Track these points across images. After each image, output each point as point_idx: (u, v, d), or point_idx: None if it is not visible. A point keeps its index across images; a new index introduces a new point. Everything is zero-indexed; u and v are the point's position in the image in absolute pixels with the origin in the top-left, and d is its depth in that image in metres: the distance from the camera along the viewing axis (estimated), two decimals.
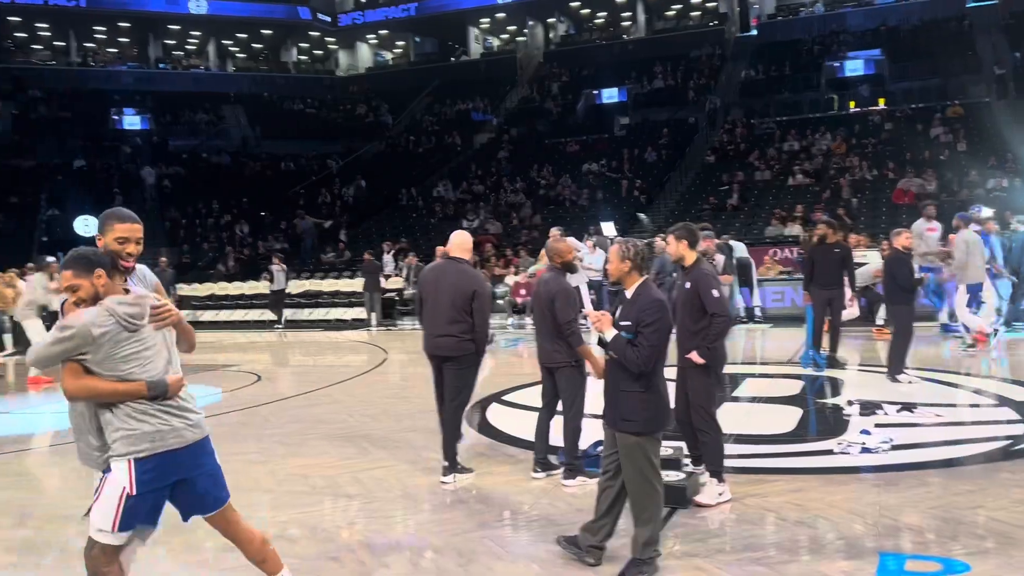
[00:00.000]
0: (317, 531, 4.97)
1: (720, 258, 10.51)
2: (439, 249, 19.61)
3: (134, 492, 3.19)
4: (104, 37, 40.27)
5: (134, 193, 29.56)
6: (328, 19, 42.01)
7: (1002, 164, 20.82)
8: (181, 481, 3.34)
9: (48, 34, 39.14)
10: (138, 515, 3.24)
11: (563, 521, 4.93)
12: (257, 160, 34.32)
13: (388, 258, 20.75)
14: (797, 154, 24.84)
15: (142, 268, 3.79)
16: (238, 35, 42.18)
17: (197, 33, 41.15)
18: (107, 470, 3.28)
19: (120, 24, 38.99)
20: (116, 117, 34.21)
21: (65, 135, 31.99)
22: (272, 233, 27.57)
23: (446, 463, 5.90)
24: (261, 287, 20.72)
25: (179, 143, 34.35)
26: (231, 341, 17.44)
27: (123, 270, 3.48)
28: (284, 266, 19.82)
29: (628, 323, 4.08)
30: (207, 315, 21.03)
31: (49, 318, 14.76)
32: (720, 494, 5.13)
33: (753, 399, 8.42)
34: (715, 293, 5.11)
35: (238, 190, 30.62)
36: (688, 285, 5.25)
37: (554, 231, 11.81)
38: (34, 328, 11.62)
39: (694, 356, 5.12)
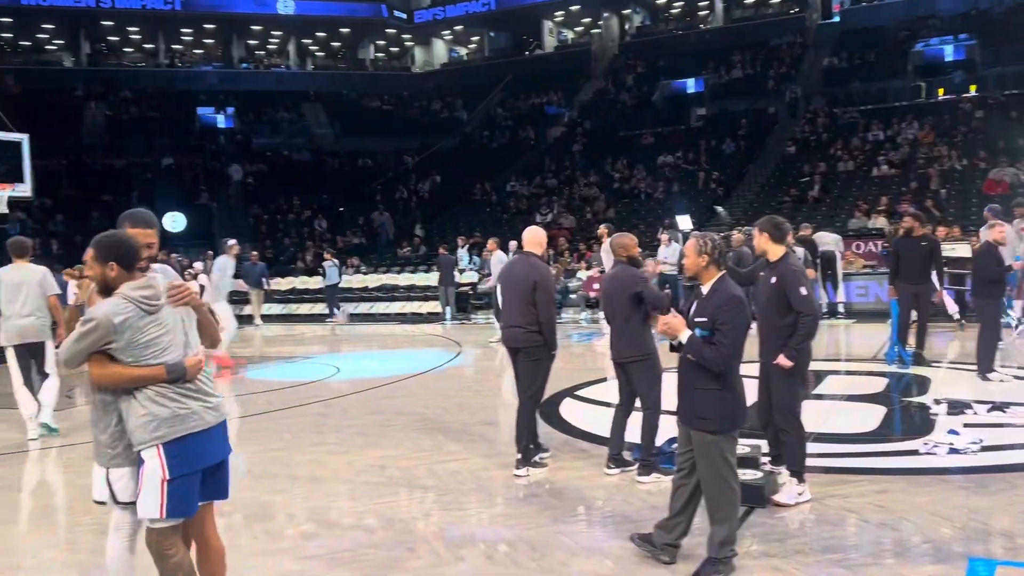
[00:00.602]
0: (394, 522, 5.06)
1: (800, 251, 10.27)
2: (513, 244, 19.77)
3: (168, 476, 3.25)
4: (191, 39, 41.66)
5: (219, 190, 30.58)
6: (404, 16, 42.52)
7: None
8: (215, 466, 3.44)
9: (139, 37, 40.69)
10: (183, 497, 3.30)
11: (637, 518, 4.91)
12: (336, 157, 35.02)
13: (462, 252, 20.91)
14: (882, 144, 24.03)
15: (163, 267, 3.83)
16: (318, 34, 43.07)
17: (278, 33, 42.19)
18: (138, 463, 3.34)
19: (206, 26, 40.28)
20: (202, 116, 35.36)
21: (154, 134, 33.24)
22: (350, 228, 28.12)
23: (519, 456, 5.94)
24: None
25: (262, 141, 35.29)
26: (312, 334, 17.88)
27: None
28: (336, 261, 20.14)
29: (704, 319, 4.02)
30: (288, 308, 21.55)
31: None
32: (800, 494, 5.01)
33: (836, 397, 8.21)
34: (803, 290, 4.96)
35: (317, 186, 31.31)
36: (773, 280, 5.12)
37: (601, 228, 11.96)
38: (224, 312, 12.13)
39: (782, 360, 4.97)
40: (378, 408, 8.85)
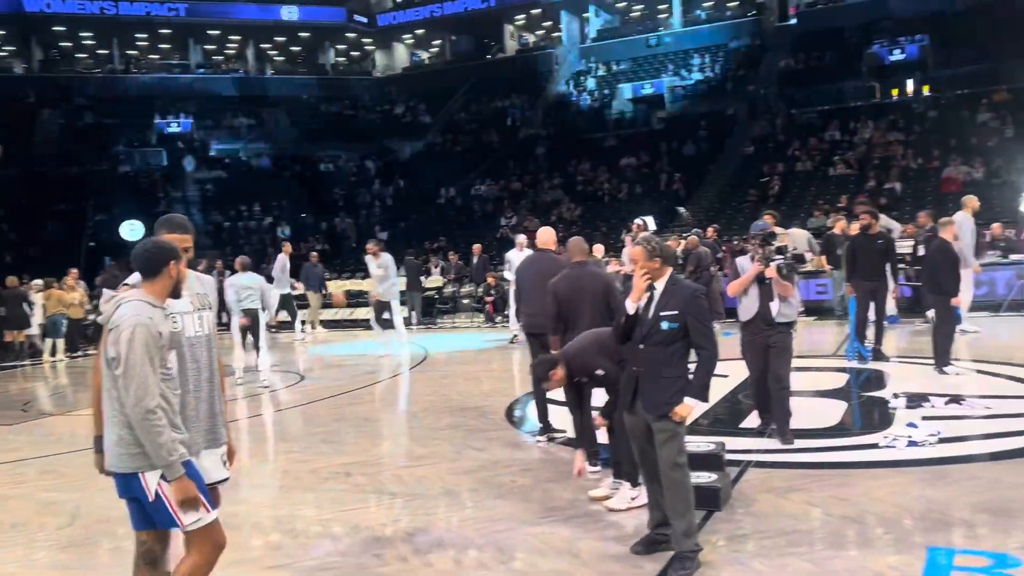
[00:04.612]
0: (360, 529, 5.02)
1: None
2: (476, 247, 19.68)
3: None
4: (146, 44, 41.06)
5: (178, 197, 30.18)
6: (365, 20, 42.33)
7: None
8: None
9: (92, 42, 40.02)
10: (203, 489, 3.32)
11: (604, 517, 4.95)
12: (297, 162, 34.75)
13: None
14: (839, 143, 24.44)
15: (202, 276, 3.85)
16: (277, 38, 42.71)
17: (236, 37, 41.76)
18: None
19: (162, 31, 39.74)
20: (159, 122, 34.86)
21: (110, 142, 32.72)
22: (313, 234, 27.92)
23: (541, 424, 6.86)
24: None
25: (221, 147, 34.91)
26: (275, 342, 17.67)
27: None
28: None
29: (673, 312, 4.17)
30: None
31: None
32: (633, 499, 5.04)
33: (799, 393, 8.30)
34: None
35: (279, 192, 31.05)
36: None
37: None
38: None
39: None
40: (343, 415, 8.78)
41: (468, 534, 4.85)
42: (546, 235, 7.09)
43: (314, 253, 19.35)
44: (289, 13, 40.03)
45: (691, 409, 4.15)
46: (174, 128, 34.86)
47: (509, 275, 13.61)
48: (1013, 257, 13.79)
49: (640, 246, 4.26)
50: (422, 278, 19.09)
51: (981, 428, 6.45)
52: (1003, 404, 7.21)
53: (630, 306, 4.22)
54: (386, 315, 12.68)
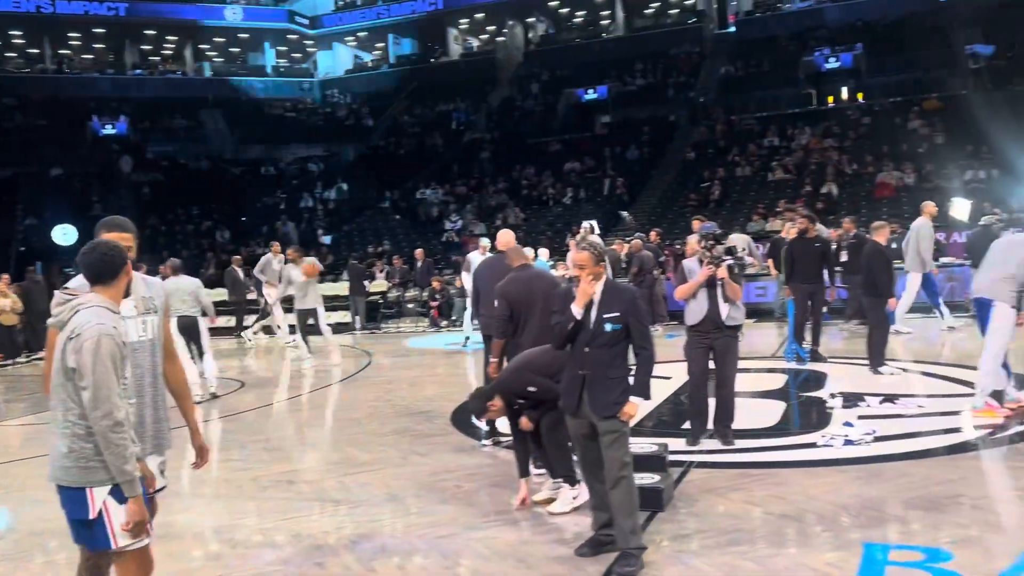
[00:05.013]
0: (303, 538, 4.94)
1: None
2: (419, 252, 19.54)
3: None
4: (79, 43, 39.93)
5: (112, 200, 29.33)
6: (306, 22, 41.87)
7: (979, 156, 21.01)
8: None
9: (22, 41, 38.76)
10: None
11: (548, 520, 4.95)
12: (236, 165, 34.14)
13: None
14: (777, 149, 24.98)
15: (148, 279, 3.74)
16: (216, 39, 41.95)
17: (173, 38, 40.89)
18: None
19: (95, 30, 38.69)
20: (93, 124, 33.91)
21: (41, 143, 31.67)
22: (253, 238, 27.43)
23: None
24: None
25: (158, 149, 34.12)
26: (215, 348, 17.27)
27: None
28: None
29: (616, 315, 4.23)
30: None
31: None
32: (574, 498, 5.09)
33: (739, 394, 8.43)
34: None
35: (218, 196, 30.46)
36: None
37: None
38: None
39: None
40: (285, 422, 8.65)
41: (413, 540, 4.82)
42: (506, 237, 7.05)
43: (236, 257, 18.92)
44: (233, 14, 39.42)
45: (637, 408, 4.25)
46: (109, 130, 33.90)
47: (467, 277, 13.58)
48: (943, 260, 14.25)
49: (587, 251, 4.29)
50: (366, 282, 18.92)
51: (914, 426, 6.63)
52: (935, 403, 7.44)
53: (576, 311, 4.24)
54: (311, 321, 12.49)
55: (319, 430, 8.12)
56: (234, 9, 39.44)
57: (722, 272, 6.09)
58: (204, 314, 9.97)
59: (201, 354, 9.96)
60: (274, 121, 37.84)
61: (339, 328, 17.99)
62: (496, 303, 6.04)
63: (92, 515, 3.07)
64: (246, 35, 41.68)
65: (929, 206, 11.92)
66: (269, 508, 5.59)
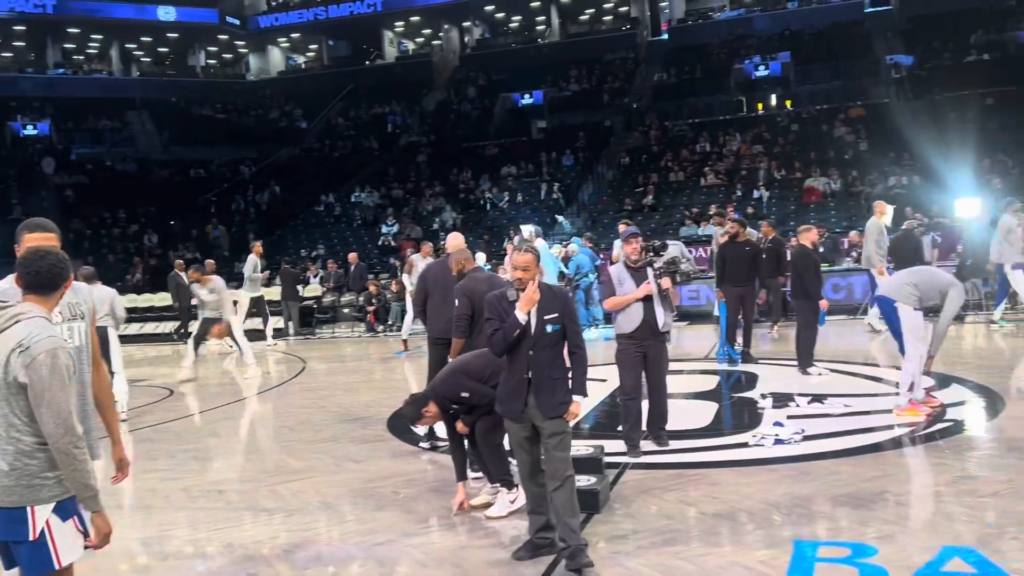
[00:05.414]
0: (235, 548, 4.83)
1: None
2: (352, 256, 19.33)
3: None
4: None
5: (34, 202, 28.26)
6: (237, 22, 41.04)
7: (901, 162, 21.75)
8: None
9: None
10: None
11: (485, 525, 4.94)
12: (165, 167, 33.25)
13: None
14: (709, 155, 25.45)
15: (76, 284, 3.54)
16: (143, 39, 40.81)
17: (99, 36, 39.65)
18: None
19: (15, 27, 37.27)
20: (14, 125, 32.63)
21: None
22: (183, 242, 26.75)
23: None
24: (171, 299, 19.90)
25: (82, 151, 33.00)
26: (141, 355, 16.82)
27: None
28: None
29: (555, 315, 4.28)
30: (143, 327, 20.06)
31: None
32: (512, 501, 5.11)
33: (672, 396, 8.54)
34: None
35: (145, 198, 29.60)
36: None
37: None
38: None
39: None
40: (215, 430, 8.45)
41: (349, 548, 4.75)
42: (456, 241, 6.95)
43: (179, 261, 18.41)
44: (166, 13, 38.31)
45: (579, 406, 4.35)
46: (31, 131, 32.65)
47: (408, 279, 13.47)
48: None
49: (530, 254, 4.30)
50: (299, 287, 18.63)
51: (841, 425, 6.81)
52: (861, 402, 7.66)
53: (522, 316, 4.21)
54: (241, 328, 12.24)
55: (251, 438, 7.96)
56: (167, 9, 38.39)
57: (666, 283, 6.16)
58: (116, 326, 9.27)
59: (111, 371, 9.29)
60: (204, 122, 36.96)
61: (260, 336, 17.38)
62: (458, 302, 5.97)
63: (33, 535, 2.89)
64: (175, 35, 40.65)
65: (880, 205, 12.14)
66: (200, 518, 5.45)
